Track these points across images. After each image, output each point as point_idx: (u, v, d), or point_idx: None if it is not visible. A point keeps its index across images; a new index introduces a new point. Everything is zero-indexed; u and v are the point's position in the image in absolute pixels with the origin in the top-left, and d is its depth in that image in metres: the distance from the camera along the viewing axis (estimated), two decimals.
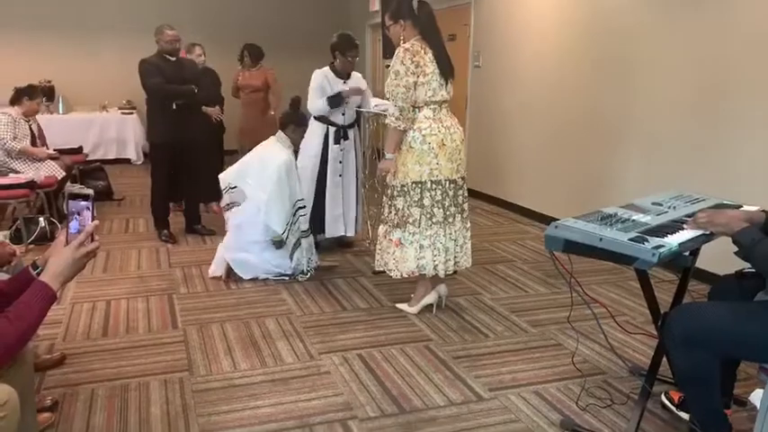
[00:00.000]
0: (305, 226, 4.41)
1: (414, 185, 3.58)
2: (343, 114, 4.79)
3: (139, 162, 9.28)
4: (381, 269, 3.83)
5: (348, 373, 3.06)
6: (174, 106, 5.11)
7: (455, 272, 3.80)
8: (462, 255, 3.78)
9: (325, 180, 4.80)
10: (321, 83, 4.73)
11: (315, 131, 4.78)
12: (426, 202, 3.58)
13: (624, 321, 3.68)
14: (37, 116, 6.16)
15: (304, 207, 4.40)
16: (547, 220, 5.94)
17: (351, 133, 4.86)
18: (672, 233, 2.23)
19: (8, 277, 2.06)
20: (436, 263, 3.65)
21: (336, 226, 4.93)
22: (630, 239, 2.10)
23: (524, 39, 6.26)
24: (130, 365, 3.11)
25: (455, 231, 3.70)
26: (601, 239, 2.14)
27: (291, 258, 4.34)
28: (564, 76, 5.72)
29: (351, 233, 5.03)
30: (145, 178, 7.08)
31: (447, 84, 3.61)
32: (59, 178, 5.73)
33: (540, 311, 3.88)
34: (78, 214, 1.75)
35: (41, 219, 5.20)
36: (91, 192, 1.78)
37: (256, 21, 9.88)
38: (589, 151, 5.45)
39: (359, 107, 4.89)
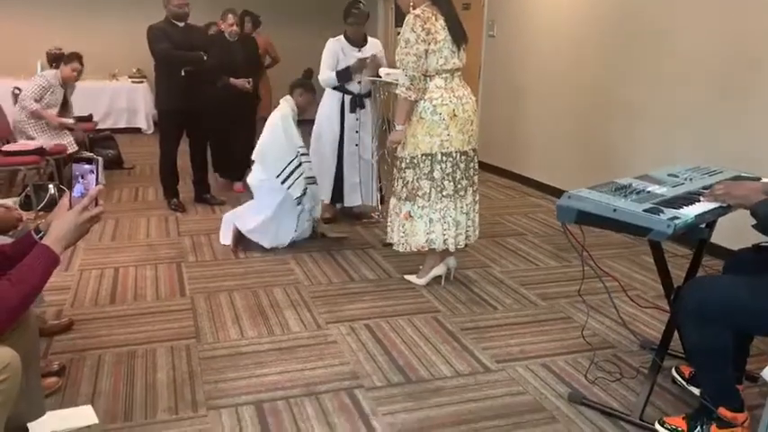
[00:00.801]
0: (311, 173, 4.37)
1: (424, 157, 3.51)
2: (359, 83, 4.73)
3: (150, 131, 9.24)
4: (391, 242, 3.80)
5: (355, 343, 3.05)
6: (183, 73, 5.05)
7: (465, 245, 3.76)
8: (473, 228, 3.73)
9: (342, 149, 4.77)
10: (334, 51, 4.68)
11: (331, 100, 4.75)
12: (437, 174, 3.52)
13: (635, 295, 3.63)
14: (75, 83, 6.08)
15: (306, 154, 4.37)
16: (559, 193, 5.86)
17: (367, 102, 4.81)
18: (688, 205, 2.17)
19: (11, 240, 2.04)
20: (446, 237, 3.60)
21: (354, 195, 4.92)
22: (645, 210, 2.05)
23: (540, 7, 6.12)
24: (138, 332, 3.11)
25: (466, 205, 3.64)
26: (614, 210, 2.09)
27: (298, 219, 4.33)
28: (581, 46, 5.60)
29: (370, 202, 5.01)
30: (155, 147, 7.06)
31: (459, 51, 3.51)
32: (69, 151, 5.67)
33: (550, 285, 3.84)
34: (82, 178, 1.72)
35: (51, 186, 5.20)
36: (96, 156, 1.75)
37: None
38: (606, 124, 5.35)
39: (376, 76, 4.82)
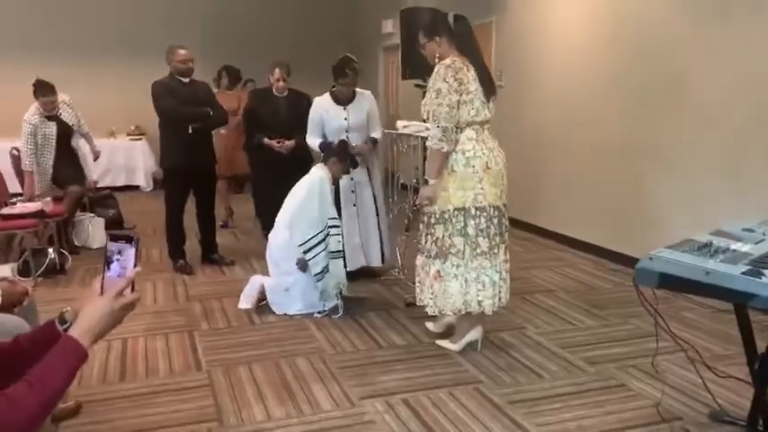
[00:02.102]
0: (336, 246, 4.09)
1: (456, 212, 3.30)
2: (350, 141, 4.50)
3: (149, 189, 9.03)
4: (415, 302, 3.54)
5: (395, 422, 2.75)
6: (190, 130, 4.85)
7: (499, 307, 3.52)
8: (505, 289, 3.48)
9: (339, 211, 4.46)
10: (316, 115, 4.55)
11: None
12: (470, 230, 3.30)
13: (687, 358, 3.36)
14: (66, 104, 5.66)
15: (337, 227, 4.10)
16: (579, 245, 5.66)
17: (361, 160, 4.53)
18: None
19: (26, 330, 1.77)
20: (481, 298, 3.35)
21: (356, 257, 4.63)
22: (743, 273, 1.82)
23: (549, 55, 6.03)
24: (153, 414, 2.81)
25: (499, 263, 3.40)
26: (707, 273, 1.85)
27: (319, 287, 4.04)
28: (593, 96, 5.48)
29: (375, 263, 4.73)
30: (155, 206, 6.85)
31: (489, 102, 3.36)
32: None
33: (593, 347, 3.57)
34: (119, 259, 1.47)
35: (50, 250, 4.92)
36: (135, 235, 1.50)
37: (262, 43, 9.69)
38: (622, 171, 5.17)
39: (372, 138, 4.64)
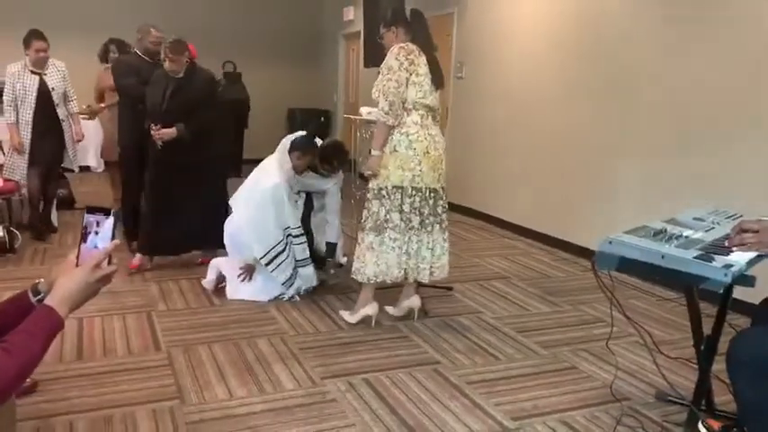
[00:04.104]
0: (301, 255, 4.05)
1: (394, 189, 3.47)
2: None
3: (100, 169, 8.77)
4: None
5: (357, 401, 2.80)
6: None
7: (418, 283, 3.71)
8: (438, 265, 3.61)
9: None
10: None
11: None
12: (405, 207, 3.48)
13: (633, 342, 3.52)
14: (56, 67, 5.28)
15: (299, 236, 4.03)
16: (532, 234, 5.81)
17: (316, 199, 4.34)
18: (730, 251, 2.06)
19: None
20: (404, 267, 3.52)
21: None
22: (696, 257, 1.92)
23: (509, 48, 6.14)
24: (112, 393, 2.78)
25: (433, 240, 3.57)
26: (663, 257, 1.95)
27: (289, 287, 4.04)
28: (549, 89, 5.62)
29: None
30: (106, 187, 6.71)
31: (435, 91, 3.56)
32: (21, 183, 5.16)
33: (547, 331, 3.69)
34: (96, 231, 1.47)
35: (0, 228, 4.77)
36: (112, 208, 1.49)
37: (221, 29, 9.56)
38: (574, 166, 5.34)
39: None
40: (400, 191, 3.46)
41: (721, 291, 1.89)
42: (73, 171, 5.85)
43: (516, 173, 6.11)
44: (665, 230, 2.22)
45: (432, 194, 3.53)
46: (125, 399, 2.73)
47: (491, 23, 6.41)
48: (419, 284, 3.78)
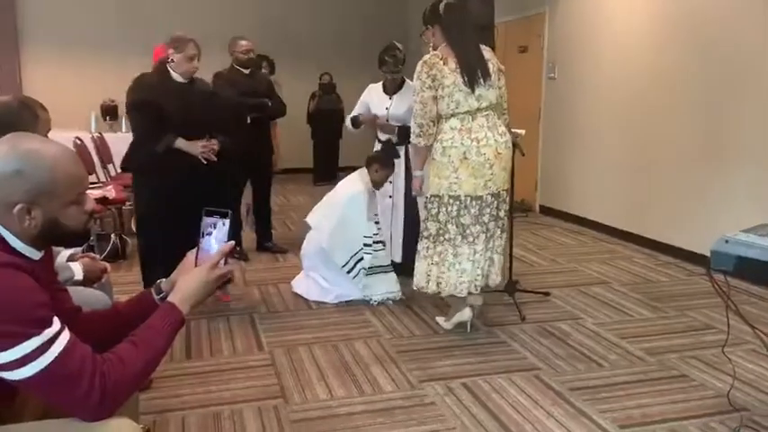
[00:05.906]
0: (375, 261, 4.07)
1: (432, 198, 3.41)
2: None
3: None
4: None
5: (456, 405, 2.78)
6: (249, 120, 4.96)
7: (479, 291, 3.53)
8: (481, 277, 3.43)
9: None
10: (365, 97, 4.56)
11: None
12: (441, 217, 3.38)
13: (749, 350, 3.31)
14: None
15: (371, 245, 4.04)
16: (631, 237, 5.59)
17: (402, 151, 4.39)
18: None
19: (107, 303, 1.85)
20: (440, 281, 3.43)
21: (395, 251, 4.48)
22: None
23: (601, 48, 5.95)
24: (220, 391, 2.90)
25: (477, 251, 3.39)
26: None
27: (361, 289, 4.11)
28: (646, 89, 5.39)
29: (397, 259, 4.43)
30: None
31: (475, 91, 3.30)
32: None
33: (652, 338, 3.53)
34: (212, 233, 1.54)
35: (113, 236, 5.09)
36: (228, 210, 1.57)
37: (320, 38, 9.86)
38: (675, 168, 5.09)
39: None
40: (437, 199, 3.37)
41: None
42: None
43: (613, 175, 5.90)
44: None
45: (475, 203, 3.32)
46: (232, 397, 2.84)
47: (583, 23, 6.24)
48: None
